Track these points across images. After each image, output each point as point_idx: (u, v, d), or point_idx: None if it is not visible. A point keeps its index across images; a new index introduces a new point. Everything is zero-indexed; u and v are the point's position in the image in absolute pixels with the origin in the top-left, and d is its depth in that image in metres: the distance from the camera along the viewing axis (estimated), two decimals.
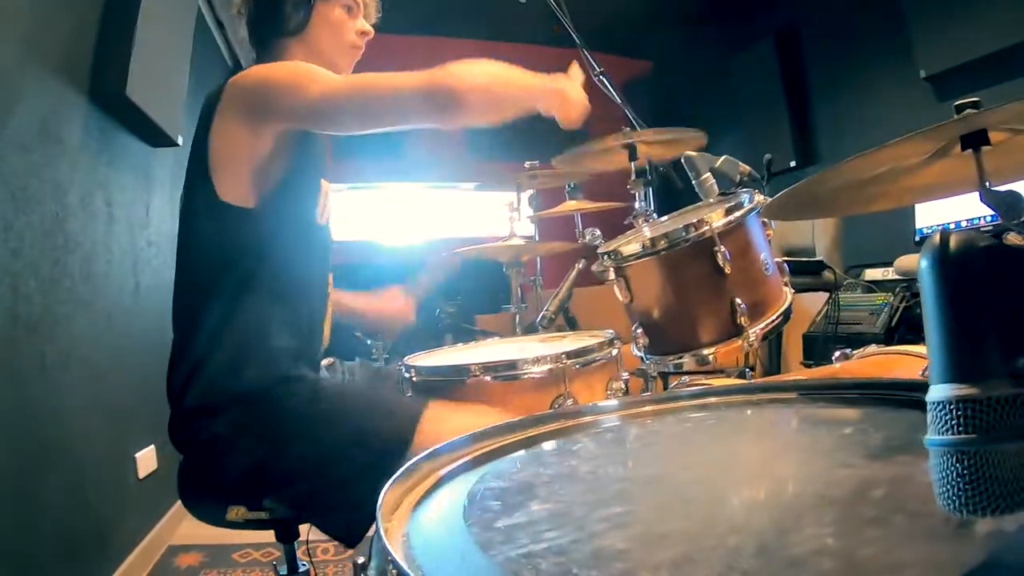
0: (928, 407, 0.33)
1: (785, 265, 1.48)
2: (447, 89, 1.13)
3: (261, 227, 1.21)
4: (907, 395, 0.66)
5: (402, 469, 0.62)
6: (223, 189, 1.20)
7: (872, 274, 3.11)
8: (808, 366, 2.85)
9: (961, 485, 0.31)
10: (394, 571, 0.42)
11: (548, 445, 0.72)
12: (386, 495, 0.55)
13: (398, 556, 0.43)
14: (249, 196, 1.21)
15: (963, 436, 0.31)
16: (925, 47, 3.38)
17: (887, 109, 3.75)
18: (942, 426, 0.32)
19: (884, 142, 0.75)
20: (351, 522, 1.16)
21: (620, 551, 0.44)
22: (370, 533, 1.11)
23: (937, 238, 0.31)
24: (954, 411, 0.31)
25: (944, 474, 0.32)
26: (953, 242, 0.31)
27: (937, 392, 0.32)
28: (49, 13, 1.85)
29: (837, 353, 1.52)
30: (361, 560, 0.46)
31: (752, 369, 3.04)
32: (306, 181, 1.27)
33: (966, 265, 0.31)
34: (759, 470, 0.58)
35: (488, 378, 1.29)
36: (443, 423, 1.20)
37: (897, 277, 2.87)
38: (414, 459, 0.64)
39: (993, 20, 3.02)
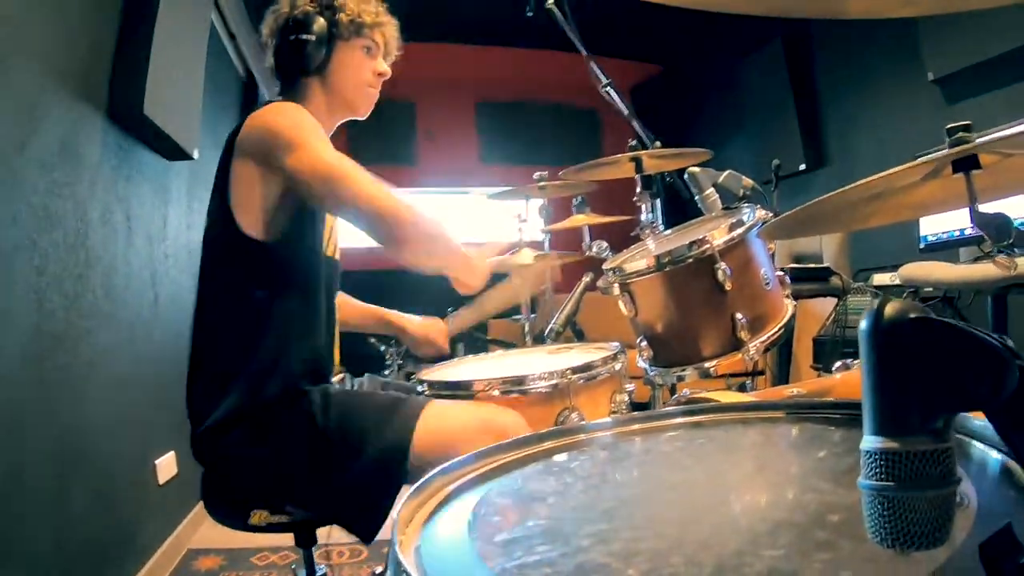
0: (860, 454, 0.38)
1: (787, 278, 1.51)
2: (397, 225, 1.20)
3: (276, 259, 1.28)
4: None
5: (415, 486, 0.67)
6: (243, 221, 1.26)
7: (880, 279, 3.10)
8: (817, 370, 2.86)
9: (883, 523, 0.37)
10: None
11: (547, 463, 0.77)
12: (401, 510, 0.61)
13: (410, 567, 0.49)
14: (265, 230, 1.27)
15: (884, 483, 0.36)
16: (933, 49, 3.36)
17: (896, 111, 3.73)
18: (869, 472, 0.37)
19: (893, 144, 0.78)
20: (365, 520, 1.22)
21: (600, 565, 0.50)
22: (382, 533, 1.17)
23: (875, 305, 0.36)
24: (878, 460, 0.37)
25: (870, 512, 0.38)
26: (887, 312, 0.36)
27: (867, 442, 0.38)
28: (67, 36, 1.90)
29: (838, 363, 1.55)
30: (379, 569, 0.52)
31: (761, 373, 3.06)
32: (314, 217, 1.33)
33: (896, 334, 0.36)
34: (733, 493, 0.64)
35: (496, 392, 1.34)
36: (443, 417, 1.25)
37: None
38: (427, 476, 0.69)
39: (1001, 22, 2.99)
